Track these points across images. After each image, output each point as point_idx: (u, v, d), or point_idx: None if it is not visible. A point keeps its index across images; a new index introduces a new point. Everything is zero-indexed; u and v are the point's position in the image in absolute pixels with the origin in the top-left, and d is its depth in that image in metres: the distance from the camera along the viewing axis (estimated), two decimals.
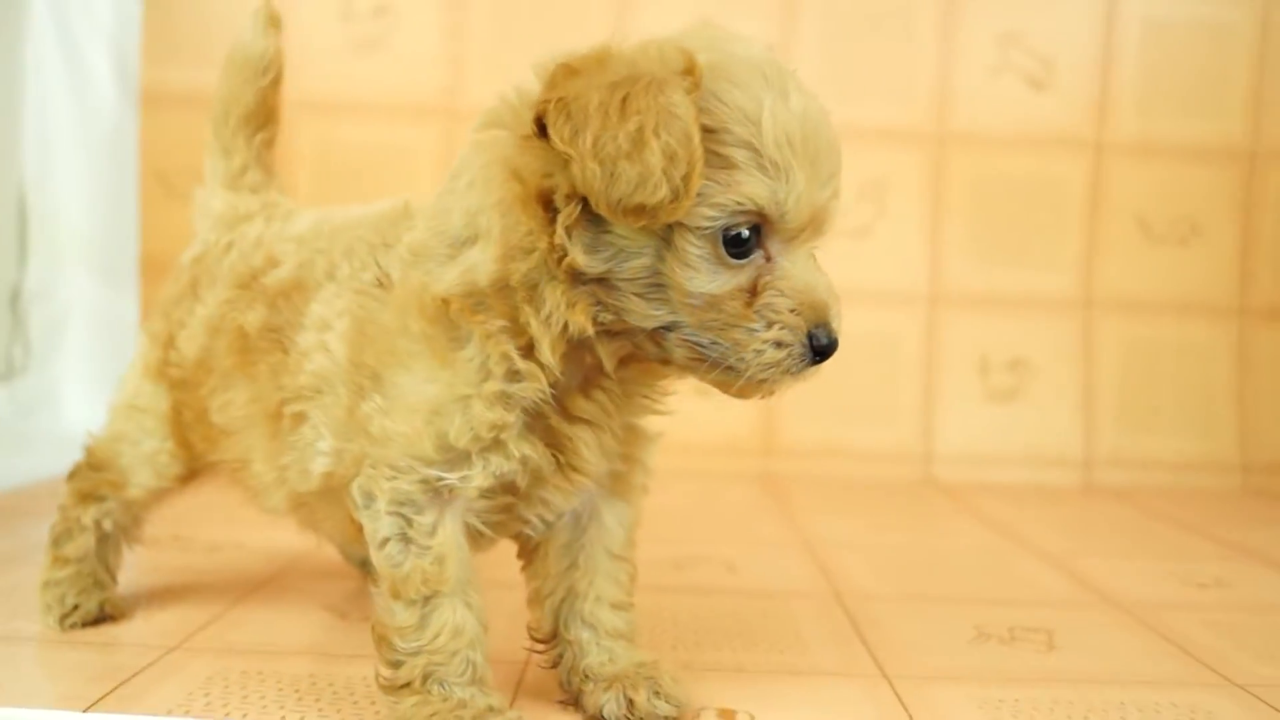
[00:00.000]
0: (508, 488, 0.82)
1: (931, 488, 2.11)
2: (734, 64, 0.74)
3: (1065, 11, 2.24)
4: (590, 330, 0.76)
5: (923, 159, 2.23)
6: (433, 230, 0.81)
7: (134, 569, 1.27)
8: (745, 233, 0.74)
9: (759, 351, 0.75)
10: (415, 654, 0.80)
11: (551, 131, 0.72)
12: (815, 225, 0.77)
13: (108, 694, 0.89)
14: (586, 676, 0.88)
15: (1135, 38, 2.24)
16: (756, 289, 0.75)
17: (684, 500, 1.83)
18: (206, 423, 0.99)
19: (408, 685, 0.80)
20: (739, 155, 0.72)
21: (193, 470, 1.06)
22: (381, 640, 0.81)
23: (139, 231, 2.15)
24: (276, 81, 1.10)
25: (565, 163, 0.72)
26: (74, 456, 1.09)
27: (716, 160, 0.72)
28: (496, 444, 0.79)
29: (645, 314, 0.76)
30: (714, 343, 0.76)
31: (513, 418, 0.78)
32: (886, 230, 2.23)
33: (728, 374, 0.76)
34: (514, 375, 0.77)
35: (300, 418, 0.87)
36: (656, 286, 0.75)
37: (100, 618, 1.07)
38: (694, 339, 0.76)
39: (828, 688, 0.97)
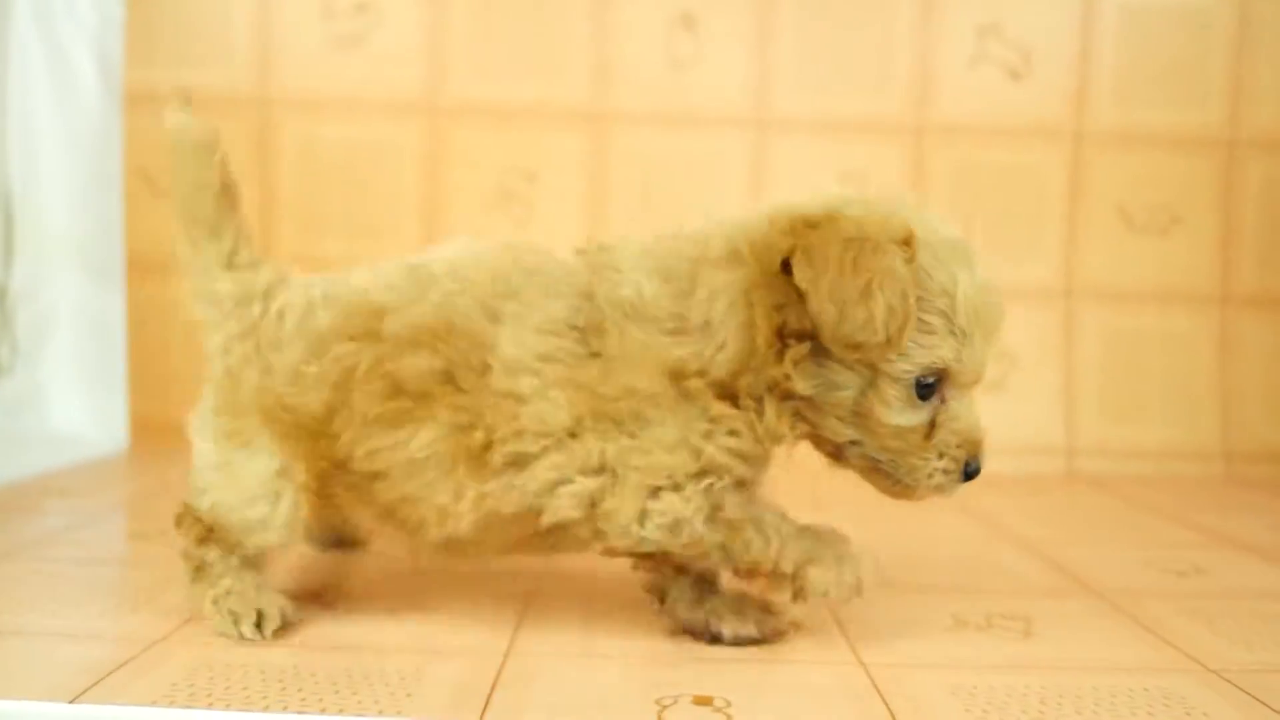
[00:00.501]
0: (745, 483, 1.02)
1: None
2: (937, 242, 0.93)
3: (1043, 2, 2.24)
4: (789, 438, 0.99)
5: (902, 151, 2.24)
6: (665, 307, 0.96)
7: (120, 564, 1.28)
8: (931, 380, 0.95)
9: (930, 475, 0.97)
10: (797, 539, 1.01)
11: (795, 272, 0.90)
12: (979, 375, 0.97)
13: (93, 685, 0.90)
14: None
15: (1113, 27, 2.24)
16: (934, 424, 0.96)
17: None
18: (348, 471, 1.03)
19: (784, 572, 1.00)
20: (936, 323, 0.93)
21: (329, 524, 1.11)
22: (758, 564, 1.00)
23: (124, 230, 2.16)
24: (225, 158, 1.09)
25: (798, 297, 0.91)
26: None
27: (919, 324, 0.92)
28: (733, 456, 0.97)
29: (838, 431, 0.97)
30: (891, 461, 0.97)
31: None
32: None
33: (897, 485, 0.99)
34: (734, 433, 0.96)
35: (523, 458, 0.97)
36: (854, 414, 0.96)
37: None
38: (873, 455, 0.98)
39: (804, 675, 0.98)
